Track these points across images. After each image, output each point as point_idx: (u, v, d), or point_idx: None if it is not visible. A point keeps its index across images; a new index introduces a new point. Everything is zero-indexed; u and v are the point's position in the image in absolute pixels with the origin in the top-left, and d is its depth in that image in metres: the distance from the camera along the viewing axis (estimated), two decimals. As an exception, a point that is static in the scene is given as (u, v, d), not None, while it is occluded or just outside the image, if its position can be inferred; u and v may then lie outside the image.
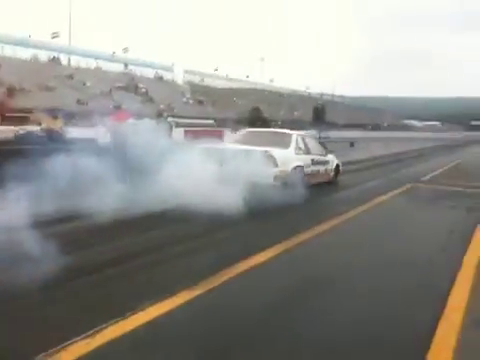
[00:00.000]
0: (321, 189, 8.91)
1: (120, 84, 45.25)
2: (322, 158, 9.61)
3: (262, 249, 4.43)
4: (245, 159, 7.03)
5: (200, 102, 51.76)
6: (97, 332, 2.60)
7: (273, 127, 11.49)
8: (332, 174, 10.16)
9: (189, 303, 3.11)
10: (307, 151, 9.01)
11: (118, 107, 12.66)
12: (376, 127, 69.74)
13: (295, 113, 62.53)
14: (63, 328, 2.68)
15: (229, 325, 2.88)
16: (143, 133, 7.56)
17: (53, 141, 8.58)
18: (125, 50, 55.48)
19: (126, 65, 53.01)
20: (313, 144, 9.69)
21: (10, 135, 9.42)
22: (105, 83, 42.90)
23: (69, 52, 49.18)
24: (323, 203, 8.00)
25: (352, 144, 26.95)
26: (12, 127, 10.77)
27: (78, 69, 46.20)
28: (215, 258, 4.23)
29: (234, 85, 68.28)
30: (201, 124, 22.29)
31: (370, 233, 5.79)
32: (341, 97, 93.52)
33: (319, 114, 44.60)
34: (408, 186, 10.05)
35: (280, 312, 3.12)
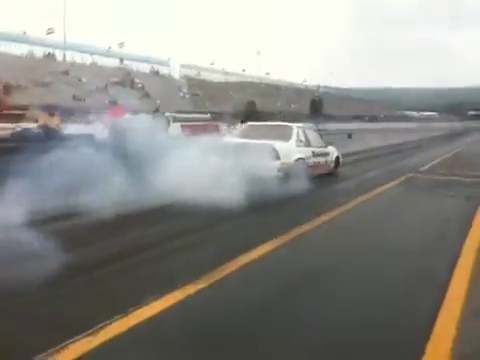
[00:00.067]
0: (322, 181, 8.93)
1: (116, 79, 45.11)
2: (322, 150, 9.67)
3: (263, 241, 4.44)
4: (247, 153, 7.06)
5: (196, 96, 51.59)
6: (99, 329, 2.59)
7: (276, 120, 11.53)
8: (332, 166, 10.22)
9: (192, 297, 3.11)
10: (308, 143, 9.07)
11: (114, 102, 12.58)
12: (373, 118, 69.80)
13: (292, 106, 62.46)
14: (64, 326, 2.67)
15: (232, 318, 2.88)
16: (141, 128, 7.54)
17: (50, 138, 8.54)
18: (121, 45, 55.23)
19: (122, 60, 52.79)
20: (313, 136, 9.73)
21: (7, 133, 9.37)
22: (101, 78, 42.74)
23: (64, 48, 48.92)
24: (324, 194, 8.02)
25: (350, 136, 27.01)
26: (9, 124, 10.72)
27: (73, 65, 46.03)
28: (217, 252, 4.23)
29: (231, 79, 68.11)
30: (198, 118, 22.17)
31: (370, 223, 5.84)
32: (338, 89, 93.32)
33: (316, 106, 44.64)
34: (407, 176, 10.05)
35: (283, 301, 3.14)
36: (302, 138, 8.95)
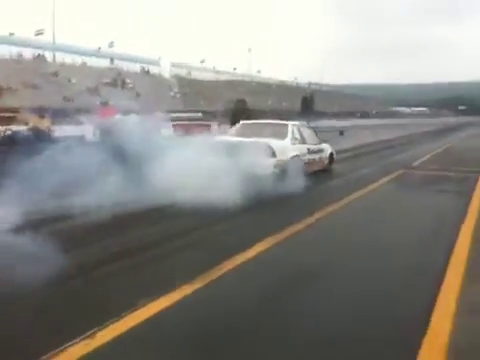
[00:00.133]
0: (316, 177, 8.98)
1: (106, 80, 44.86)
2: (317, 147, 9.77)
3: (259, 240, 4.45)
4: (243, 151, 7.09)
5: (187, 95, 51.47)
6: (97, 332, 2.57)
7: (273, 119, 11.58)
8: (327, 162, 10.33)
9: (188, 297, 3.11)
10: (303, 141, 9.15)
11: (105, 103, 12.54)
12: (365, 115, 70.04)
13: (284, 104, 62.51)
14: (61, 329, 2.65)
15: (229, 317, 2.88)
16: (132, 129, 7.50)
17: (40, 140, 8.50)
18: (111, 45, 54.89)
19: (112, 60, 52.48)
20: (308, 133, 9.82)
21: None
22: (91, 79, 42.46)
23: (54, 49, 48.54)
24: (320, 191, 8.10)
25: (341, 133, 27.00)
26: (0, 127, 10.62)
27: (63, 66, 45.66)
28: (214, 251, 4.23)
29: (222, 77, 68.00)
30: (189, 118, 22.15)
31: (365, 219, 5.90)
32: (329, 86, 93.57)
33: (308, 104, 44.67)
34: (399, 173, 10.14)
35: (281, 297, 3.17)
36: (297, 136, 9.03)
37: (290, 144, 8.56)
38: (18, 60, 42.31)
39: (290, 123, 9.41)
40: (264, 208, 6.13)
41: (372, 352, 2.49)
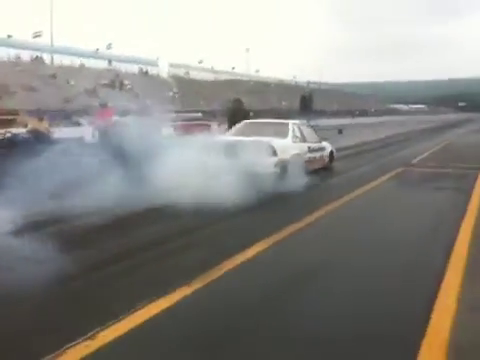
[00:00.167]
0: (317, 176, 8.99)
1: (105, 81, 44.77)
2: (317, 145, 9.81)
3: (259, 239, 4.45)
4: (244, 150, 7.10)
5: (185, 95, 51.43)
6: (98, 333, 2.57)
7: (275, 118, 11.64)
8: (327, 160, 10.36)
9: (188, 297, 3.11)
10: (303, 139, 9.19)
11: (104, 105, 12.53)
12: (363, 113, 69.98)
13: (283, 103, 62.47)
14: (62, 330, 2.65)
15: (229, 317, 2.89)
16: (131, 129, 7.50)
17: (40, 142, 8.50)
18: (109, 46, 54.81)
19: (110, 61, 52.43)
20: (308, 132, 9.86)
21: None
22: (89, 81, 42.35)
23: (52, 51, 48.48)
24: (320, 189, 8.12)
25: (340, 131, 27.02)
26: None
27: (61, 67, 45.59)
28: (214, 251, 4.23)
29: (220, 77, 67.94)
30: (189, 117, 22.15)
31: (365, 217, 5.93)
32: (327, 84, 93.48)
33: (306, 103, 44.56)
34: (398, 170, 10.14)
35: (281, 297, 3.18)
36: (298, 134, 9.08)
37: (291, 143, 8.59)
38: (16, 62, 42.24)
39: (291, 122, 9.45)
40: (265, 207, 6.13)
41: (372, 351, 2.49)
